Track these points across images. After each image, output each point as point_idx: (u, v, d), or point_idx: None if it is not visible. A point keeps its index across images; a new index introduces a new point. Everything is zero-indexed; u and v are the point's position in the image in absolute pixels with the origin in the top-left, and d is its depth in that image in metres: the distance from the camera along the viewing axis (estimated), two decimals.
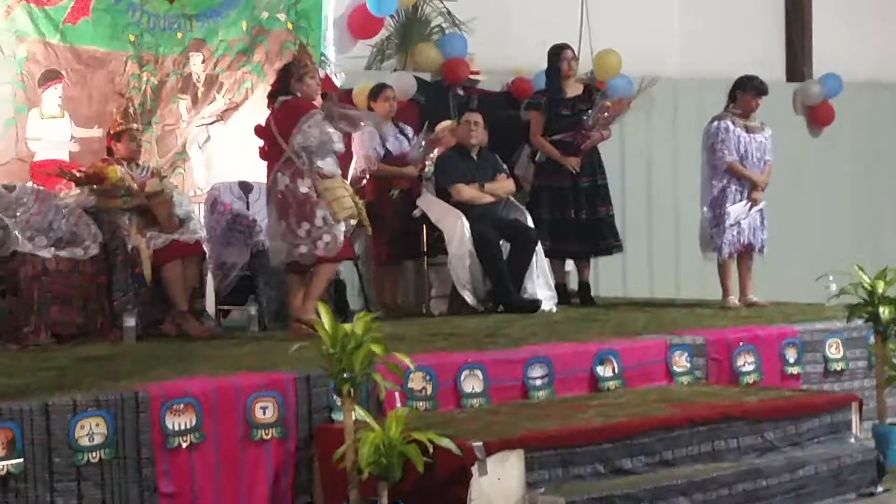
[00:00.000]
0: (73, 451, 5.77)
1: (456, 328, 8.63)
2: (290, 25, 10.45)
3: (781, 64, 14.63)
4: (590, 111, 10.29)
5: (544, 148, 10.35)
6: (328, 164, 8.23)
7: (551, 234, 10.20)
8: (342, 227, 8.24)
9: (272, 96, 8.50)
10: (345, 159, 8.95)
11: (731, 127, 9.84)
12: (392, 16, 11.61)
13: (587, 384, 7.50)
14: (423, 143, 10.01)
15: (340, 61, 10.97)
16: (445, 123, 10.14)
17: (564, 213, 10.29)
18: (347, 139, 8.68)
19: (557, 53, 10.49)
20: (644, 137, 13.09)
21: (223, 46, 10.11)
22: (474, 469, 5.87)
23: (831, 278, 9.28)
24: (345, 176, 8.85)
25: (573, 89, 10.47)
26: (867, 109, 14.67)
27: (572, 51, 10.62)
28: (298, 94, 8.31)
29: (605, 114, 10.29)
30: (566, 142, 10.28)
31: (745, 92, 9.94)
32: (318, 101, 8.40)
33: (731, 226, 9.78)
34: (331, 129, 8.19)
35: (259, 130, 8.53)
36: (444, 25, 12.03)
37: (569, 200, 10.30)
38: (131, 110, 9.07)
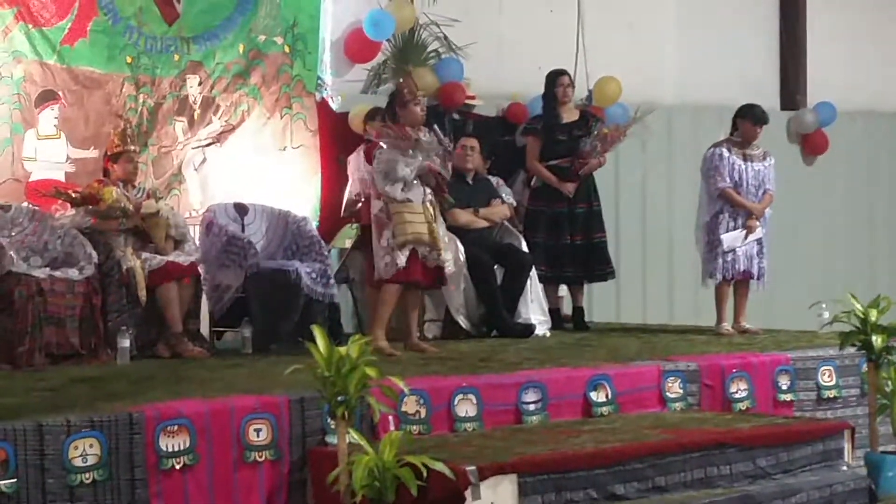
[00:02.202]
0: (66, 471, 5.76)
1: (450, 352, 8.63)
2: (287, 49, 10.49)
3: (776, 92, 14.65)
4: (586, 137, 10.32)
5: (541, 173, 10.38)
6: (394, 190, 8.40)
7: (547, 258, 10.22)
8: (405, 250, 8.37)
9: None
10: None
11: (726, 154, 9.88)
12: (388, 40, 11.64)
13: (580, 409, 7.50)
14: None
15: (337, 85, 11.03)
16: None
17: (560, 239, 10.31)
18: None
19: (554, 79, 10.53)
20: (639, 164, 13.11)
21: (220, 69, 10.14)
22: (468, 493, 5.87)
23: (824, 306, 9.31)
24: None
25: (570, 115, 10.51)
26: (861, 138, 14.70)
27: (569, 76, 10.66)
28: (402, 121, 8.56)
29: (603, 140, 10.32)
30: (562, 167, 10.31)
31: (745, 120, 9.99)
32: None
33: (725, 252, 9.81)
34: (398, 157, 8.42)
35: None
36: (440, 50, 12.05)
37: (565, 226, 10.32)
38: (128, 132, 9.08)
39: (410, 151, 8.46)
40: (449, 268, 8.58)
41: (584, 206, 10.38)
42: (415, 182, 8.45)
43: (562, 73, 10.62)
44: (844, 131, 14.38)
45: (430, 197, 8.54)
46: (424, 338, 9.83)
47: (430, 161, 8.52)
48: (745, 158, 9.92)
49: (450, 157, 8.81)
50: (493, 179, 10.59)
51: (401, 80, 9.27)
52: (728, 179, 9.83)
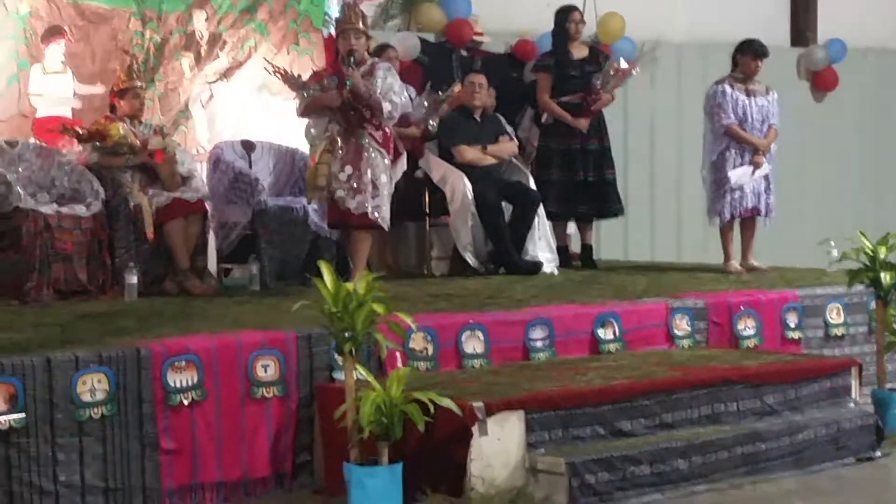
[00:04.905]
0: (74, 406, 5.78)
1: (457, 289, 8.63)
2: None
3: (786, 28, 14.59)
4: (598, 73, 10.28)
5: (553, 110, 10.33)
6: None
7: (560, 195, 10.20)
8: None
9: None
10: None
11: (730, 91, 9.82)
12: None
13: (588, 346, 7.52)
14: (426, 103, 10.00)
15: (366, 23, 10.94)
16: (457, 87, 10.15)
17: (573, 175, 10.29)
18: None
19: (566, 15, 10.46)
20: (648, 101, 13.08)
21: (226, 4, 10.09)
22: (475, 429, 5.89)
23: (833, 243, 9.29)
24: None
25: (580, 51, 10.46)
26: (872, 75, 14.65)
27: (580, 13, 10.59)
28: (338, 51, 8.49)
29: (615, 75, 10.28)
30: (574, 103, 10.27)
31: (745, 55, 9.93)
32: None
33: (733, 190, 9.78)
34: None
35: None
36: None
37: (578, 162, 10.29)
38: (135, 67, 9.04)
39: (306, 93, 8.28)
40: (354, 207, 8.14)
41: (596, 142, 10.36)
42: (319, 122, 8.28)
43: (573, 9, 10.56)
44: (855, 68, 14.34)
45: (330, 134, 8.20)
46: (432, 274, 9.87)
47: (320, 96, 8.22)
48: (748, 94, 9.87)
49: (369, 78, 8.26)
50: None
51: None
52: (732, 116, 9.78)
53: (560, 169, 10.31)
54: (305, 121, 8.45)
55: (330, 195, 8.21)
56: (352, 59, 8.16)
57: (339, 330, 5.89)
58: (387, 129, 8.38)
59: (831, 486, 6.63)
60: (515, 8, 12.19)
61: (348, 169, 8.16)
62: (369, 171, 8.18)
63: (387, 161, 8.37)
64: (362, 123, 8.21)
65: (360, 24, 8.36)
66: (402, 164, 8.86)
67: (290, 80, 8.36)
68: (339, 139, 8.18)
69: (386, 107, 8.19)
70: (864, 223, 10.51)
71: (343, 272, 6.94)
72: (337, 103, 8.18)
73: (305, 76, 8.51)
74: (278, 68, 8.43)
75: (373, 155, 8.23)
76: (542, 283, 9.14)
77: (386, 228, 8.42)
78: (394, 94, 8.25)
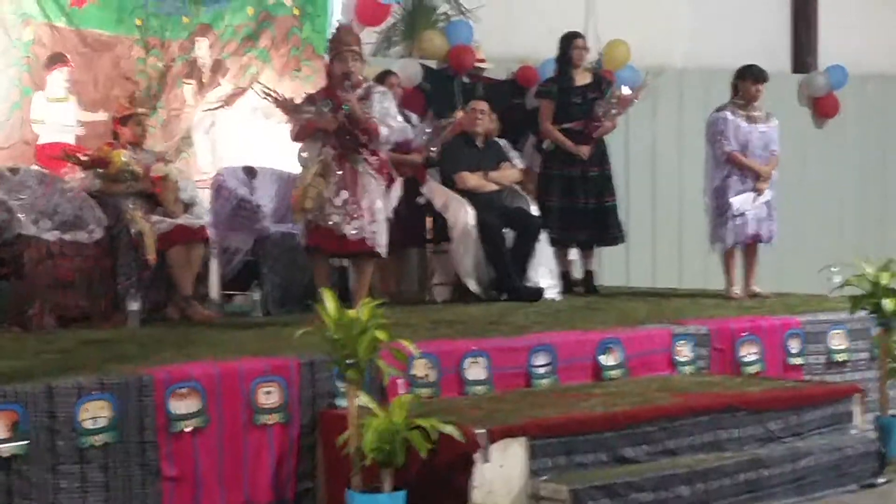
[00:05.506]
0: (76, 434, 5.77)
1: (459, 316, 8.62)
2: (296, 11, 10.47)
3: (787, 55, 14.63)
4: (600, 100, 10.30)
5: (554, 136, 10.34)
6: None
7: (560, 222, 10.20)
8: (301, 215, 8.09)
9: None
10: None
11: (731, 118, 9.84)
12: (398, 3, 11.61)
13: (590, 373, 7.51)
14: (428, 130, 10.01)
15: (361, 47, 10.96)
16: (459, 114, 10.17)
17: (574, 202, 10.29)
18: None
19: (569, 41, 10.47)
20: (649, 128, 13.10)
21: (229, 31, 10.13)
22: (477, 456, 5.88)
23: (834, 269, 9.27)
24: None
25: (582, 77, 10.47)
26: (873, 101, 14.67)
27: (583, 39, 10.60)
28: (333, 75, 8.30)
29: (617, 103, 10.29)
30: (575, 130, 10.28)
31: (745, 80, 9.95)
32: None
33: (735, 216, 9.78)
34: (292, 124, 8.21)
35: None
36: (450, 13, 12.03)
37: (578, 189, 10.30)
38: (138, 94, 9.08)
39: (300, 117, 8.08)
40: (352, 233, 7.93)
41: (596, 169, 10.36)
42: (312, 145, 8.07)
43: (577, 35, 10.57)
44: (856, 94, 14.37)
45: (324, 158, 7.98)
46: (434, 300, 9.85)
47: (314, 120, 8.00)
48: (750, 120, 9.88)
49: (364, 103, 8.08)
50: (502, 142, 10.58)
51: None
52: (734, 143, 9.80)
53: (561, 195, 10.31)
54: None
55: (323, 219, 7.91)
56: (348, 83, 8.05)
57: (342, 356, 5.89)
58: (381, 155, 8.18)
59: None
60: (517, 34, 12.23)
61: (344, 194, 7.92)
62: (366, 197, 8.00)
63: (382, 187, 8.17)
64: (357, 148, 8.03)
65: (357, 47, 8.21)
66: (397, 191, 8.77)
67: (284, 104, 8.18)
68: (333, 163, 7.96)
69: (383, 131, 8.01)
70: (865, 249, 10.49)
71: (345, 299, 6.94)
72: (332, 127, 7.96)
73: (298, 100, 8.40)
74: (269, 91, 8.32)
75: (368, 180, 8.04)
76: (545, 309, 9.13)
77: (383, 255, 8.20)
78: (390, 118, 8.08)
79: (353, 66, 8.06)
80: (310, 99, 8.22)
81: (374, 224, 7.99)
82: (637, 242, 12.40)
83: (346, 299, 7.76)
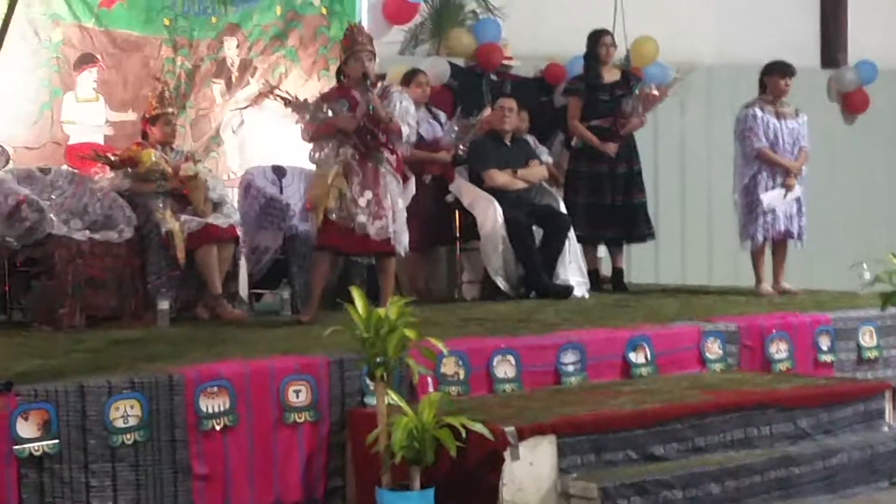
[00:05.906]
0: (108, 432, 5.80)
1: (488, 314, 8.63)
2: (324, 10, 10.48)
3: (816, 50, 14.57)
4: (628, 97, 10.28)
5: (582, 133, 10.33)
6: (310, 154, 8.23)
7: (587, 219, 10.19)
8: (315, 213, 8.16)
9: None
10: None
11: (760, 114, 9.81)
12: (426, 1, 11.60)
13: (619, 370, 7.50)
14: (456, 128, 10.01)
15: (374, 46, 10.97)
16: (487, 112, 10.17)
17: (601, 199, 10.29)
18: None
19: (597, 39, 10.47)
20: (678, 124, 13.07)
21: (257, 31, 10.14)
22: (507, 454, 5.88)
23: (865, 266, 9.24)
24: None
25: (611, 75, 10.47)
26: None
27: (612, 36, 10.60)
28: (346, 75, 8.33)
29: (645, 100, 10.27)
30: (603, 127, 10.27)
31: (772, 75, 9.93)
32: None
33: (765, 213, 9.75)
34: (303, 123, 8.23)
35: None
36: (477, 11, 12.02)
37: (606, 186, 10.29)
38: (166, 94, 9.09)
39: (315, 116, 8.11)
40: (376, 233, 8.00)
41: (624, 166, 10.35)
42: (326, 145, 8.10)
43: (605, 32, 10.57)
44: (885, 90, 14.29)
45: (343, 158, 8.02)
46: (463, 298, 9.85)
47: (334, 120, 8.04)
48: (779, 116, 9.86)
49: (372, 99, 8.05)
50: (530, 139, 10.58)
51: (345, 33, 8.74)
52: (763, 139, 9.77)
53: (588, 193, 10.31)
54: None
55: (348, 220, 7.97)
56: (367, 82, 8.06)
57: (371, 355, 5.90)
58: (398, 153, 8.25)
59: None
60: (545, 32, 12.21)
61: (368, 194, 7.99)
62: (388, 196, 8.08)
63: (401, 186, 8.30)
64: (378, 147, 8.08)
65: (371, 46, 8.26)
66: (411, 189, 8.78)
67: (296, 105, 8.21)
68: (354, 163, 8.02)
69: (404, 130, 8.08)
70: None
71: (374, 297, 6.95)
72: (353, 126, 8.00)
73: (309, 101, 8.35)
74: (280, 92, 8.34)
75: (389, 179, 8.11)
76: (573, 306, 9.13)
77: (403, 255, 8.27)
78: (410, 117, 8.16)
79: (370, 66, 8.09)
80: (323, 99, 8.28)
81: (395, 223, 8.05)
82: (666, 239, 12.37)
83: (374, 298, 7.78)
